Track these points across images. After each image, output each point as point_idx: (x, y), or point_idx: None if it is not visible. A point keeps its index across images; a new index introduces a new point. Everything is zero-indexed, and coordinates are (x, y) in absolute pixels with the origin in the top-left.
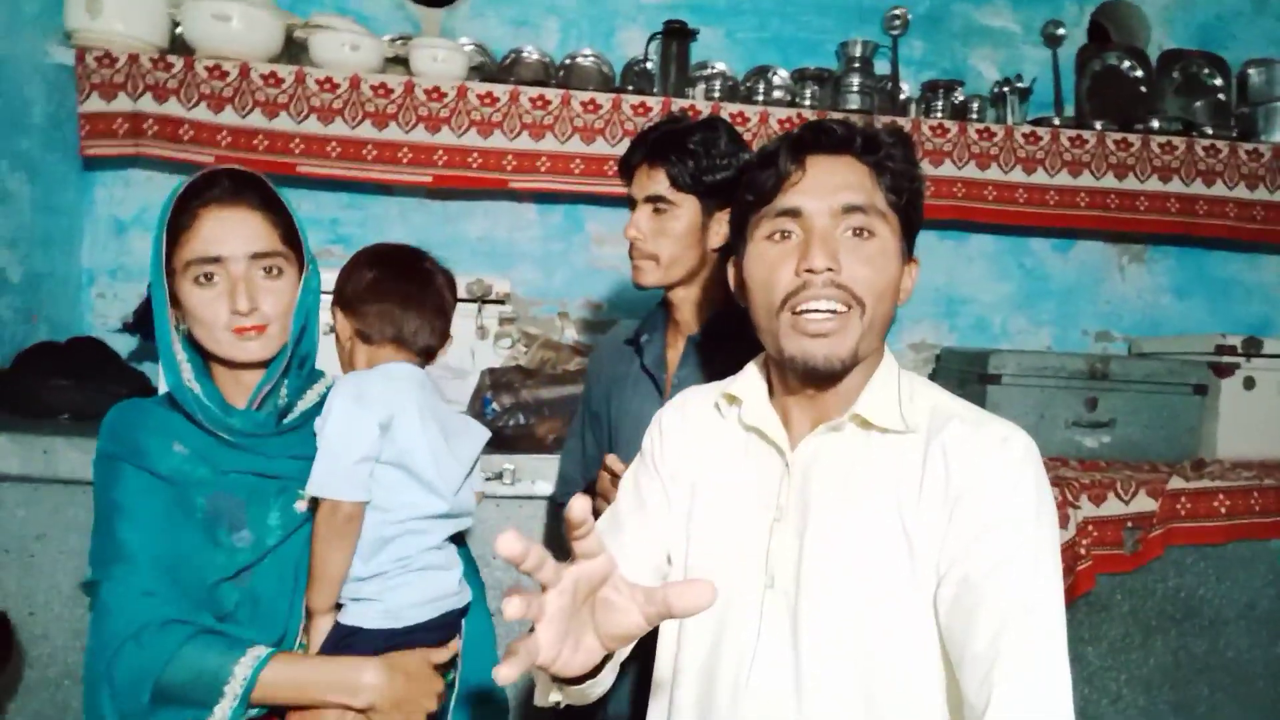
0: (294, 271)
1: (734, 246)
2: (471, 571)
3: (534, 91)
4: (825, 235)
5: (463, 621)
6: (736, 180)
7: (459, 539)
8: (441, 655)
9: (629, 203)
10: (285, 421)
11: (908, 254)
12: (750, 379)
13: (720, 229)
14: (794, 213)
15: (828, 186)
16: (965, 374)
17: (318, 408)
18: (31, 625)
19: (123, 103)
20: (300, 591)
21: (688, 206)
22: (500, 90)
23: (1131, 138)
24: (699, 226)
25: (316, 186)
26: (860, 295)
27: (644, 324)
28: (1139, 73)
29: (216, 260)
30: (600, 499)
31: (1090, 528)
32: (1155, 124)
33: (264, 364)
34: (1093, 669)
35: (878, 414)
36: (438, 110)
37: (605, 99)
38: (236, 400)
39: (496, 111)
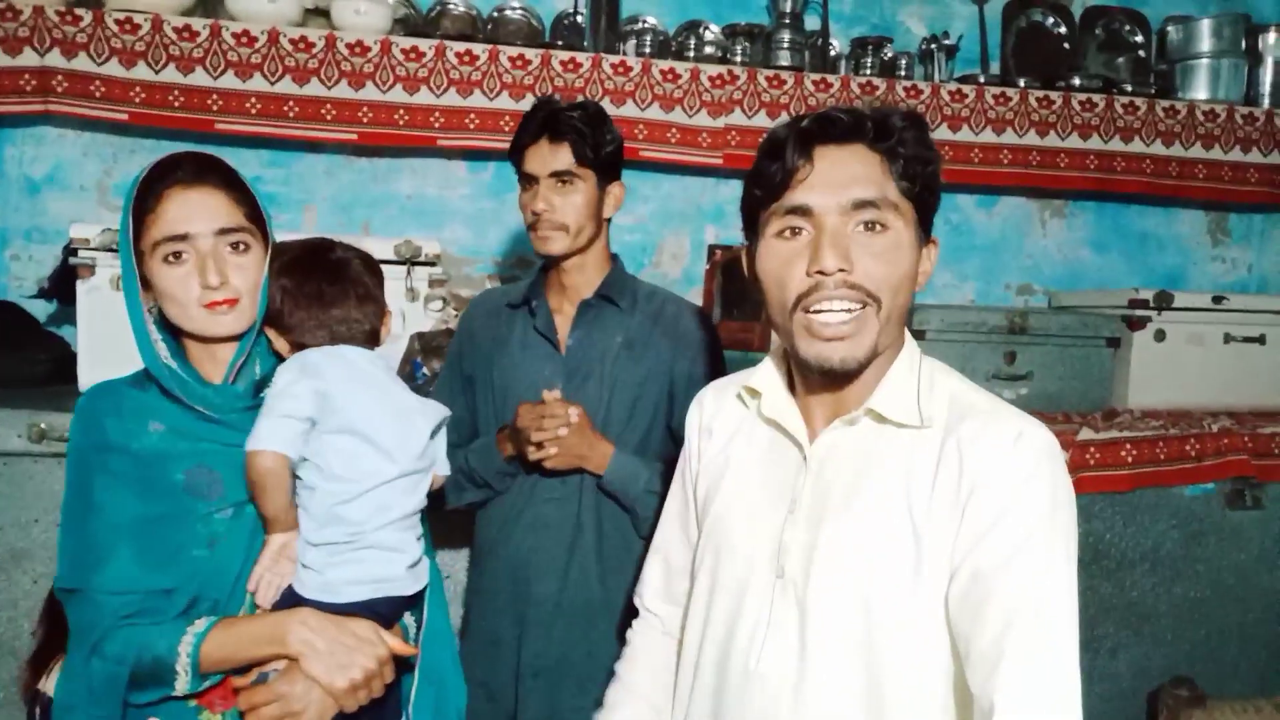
0: (260, 248)
1: (746, 238)
2: (430, 557)
3: (460, 46)
4: (836, 233)
5: (424, 607)
6: (619, 156)
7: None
8: (396, 641)
9: (523, 179)
10: (262, 395)
11: (924, 237)
12: (769, 372)
13: (612, 200)
14: (803, 210)
15: (837, 181)
16: None
17: None
18: None
19: (29, 58)
20: (255, 552)
21: (588, 180)
22: (425, 45)
23: (1053, 95)
24: (596, 198)
25: (237, 144)
26: (875, 292)
27: (530, 289)
28: (1063, 29)
29: (184, 238)
30: (524, 443)
31: None
32: (1077, 81)
33: (236, 338)
34: None
35: (894, 409)
36: (361, 65)
37: (534, 55)
38: (212, 376)
39: (422, 67)
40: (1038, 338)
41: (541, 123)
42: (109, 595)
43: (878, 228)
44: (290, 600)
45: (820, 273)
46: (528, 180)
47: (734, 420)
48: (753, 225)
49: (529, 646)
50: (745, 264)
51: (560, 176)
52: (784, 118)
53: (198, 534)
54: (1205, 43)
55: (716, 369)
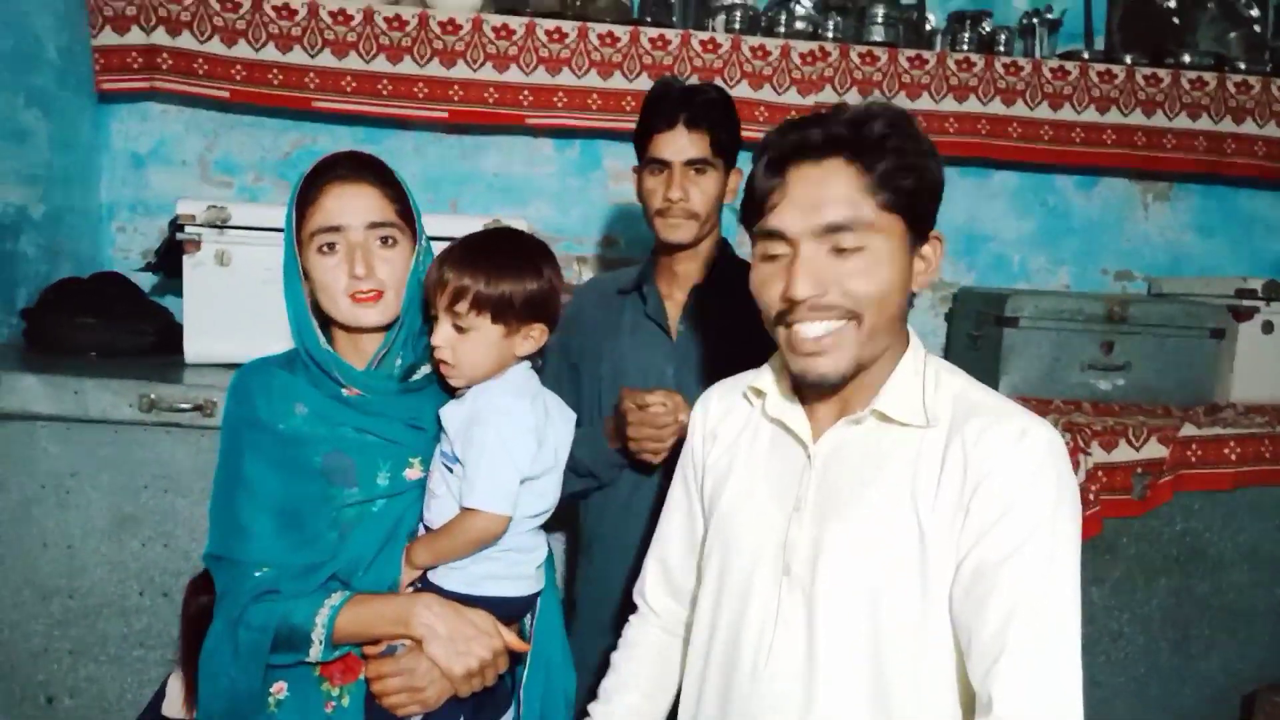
0: (408, 244)
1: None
2: (547, 556)
3: (550, 24)
4: (808, 259)
5: (536, 601)
6: (740, 144)
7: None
8: (511, 636)
9: (651, 163)
10: (411, 381)
11: (919, 240)
12: (774, 372)
13: (731, 187)
14: (778, 235)
15: (809, 203)
16: (982, 316)
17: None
18: (70, 558)
19: (136, 36)
20: (394, 551)
21: (720, 169)
22: (516, 23)
23: (1161, 73)
24: (724, 186)
25: (332, 121)
26: (853, 309)
27: (641, 274)
28: (1172, 3)
29: (337, 229)
30: (629, 439)
31: (1100, 474)
32: (1186, 58)
33: (380, 330)
34: (1095, 609)
35: (899, 409)
36: (453, 44)
37: (623, 32)
38: (355, 365)
39: (512, 45)
40: (1137, 327)
41: (677, 108)
42: (252, 567)
43: (850, 250)
44: (421, 587)
45: (792, 300)
46: (657, 165)
47: (740, 420)
48: (751, 236)
49: None
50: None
51: (696, 164)
52: (876, 95)
53: (330, 519)
54: None
55: None
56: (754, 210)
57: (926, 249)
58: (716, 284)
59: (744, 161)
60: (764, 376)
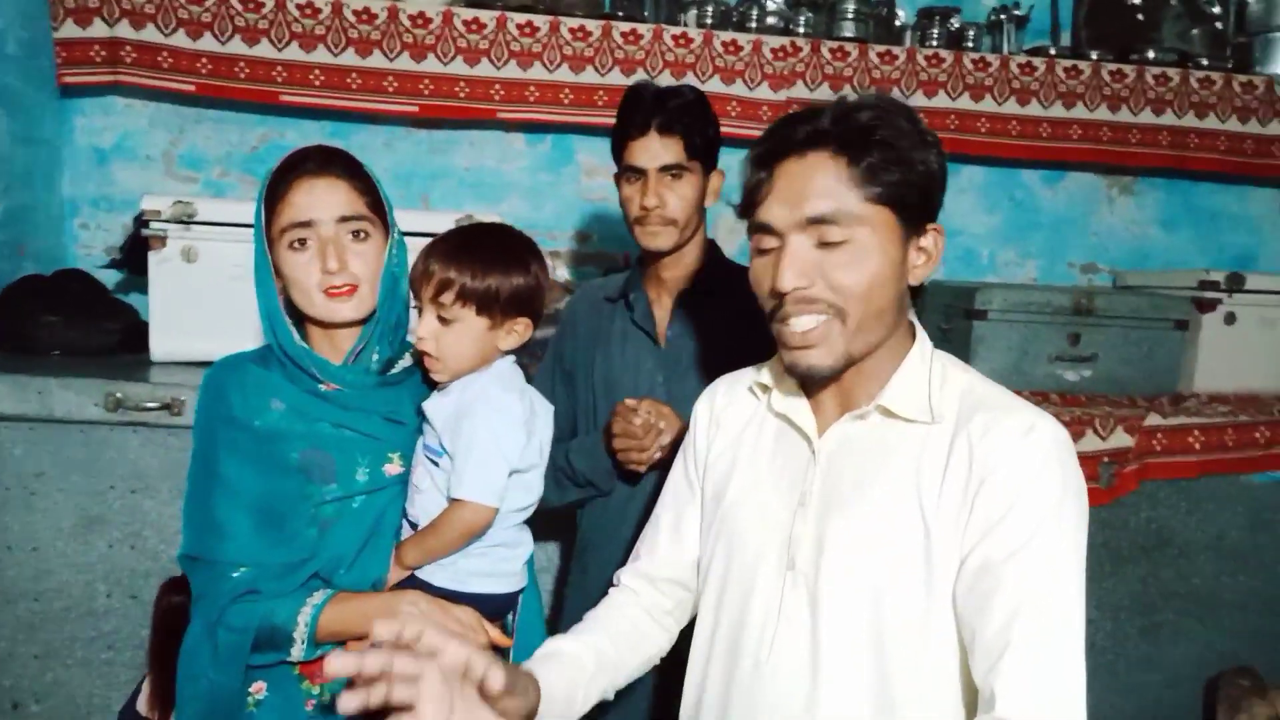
0: (380, 237)
1: None
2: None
3: (521, 18)
4: (794, 251)
5: (519, 598)
6: (719, 142)
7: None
8: (495, 631)
9: (627, 171)
10: (389, 374)
11: (915, 232)
12: (780, 366)
13: (712, 189)
14: (766, 228)
15: (795, 197)
16: (951, 309)
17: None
18: (36, 561)
19: (99, 29)
20: (376, 547)
21: (698, 172)
22: (487, 16)
23: (1126, 69)
24: (703, 189)
25: (300, 115)
26: (837, 304)
27: (627, 282)
28: None
29: (308, 224)
30: (621, 451)
31: None
32: (1151, 54)
33: (356, 325)
34: None
35: (904, 405)
36: (423, 37)
37: (595, 26)
38: (331, 360)
39: (483, 39)
40: (1104, 319)
41: (649, 114)
42: (230, 567)
43: (835, 243)
44: (406, 584)
45: (779, 293)
46: (633, 173)
47: (745, 413)
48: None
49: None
50: None
51: (670, 170)
52: (848, 90)
53: (309, 515)
54: None
55: None
56: (746, 204)
57: (925, 241)
58: (704, 288)
59: (725, 160)
60: (769, 371)
